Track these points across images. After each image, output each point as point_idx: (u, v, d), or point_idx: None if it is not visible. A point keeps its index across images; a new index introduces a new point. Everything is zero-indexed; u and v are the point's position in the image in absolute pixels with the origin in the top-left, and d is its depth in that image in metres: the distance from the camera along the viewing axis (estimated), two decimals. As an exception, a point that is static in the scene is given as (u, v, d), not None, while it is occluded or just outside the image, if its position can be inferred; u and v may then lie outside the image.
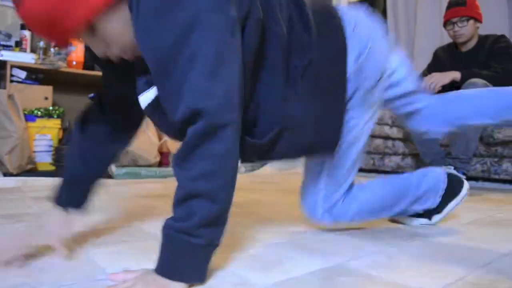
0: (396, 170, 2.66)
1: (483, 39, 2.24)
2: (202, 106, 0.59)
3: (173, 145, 2.82)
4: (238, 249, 0.87)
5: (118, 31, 0.67)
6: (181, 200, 0.62)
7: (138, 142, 2.59)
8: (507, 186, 2.25)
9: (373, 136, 2.77)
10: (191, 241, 0.61)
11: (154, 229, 1.04)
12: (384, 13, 3.69)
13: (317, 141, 0.85)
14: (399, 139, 2.59)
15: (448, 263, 0.78)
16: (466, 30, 2.19)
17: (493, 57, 2.14)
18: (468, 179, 2.25)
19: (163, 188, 1.98)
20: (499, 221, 1.25)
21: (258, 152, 0.81)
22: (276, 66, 0.76)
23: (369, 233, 1.05)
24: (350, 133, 0.92)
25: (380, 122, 2.69)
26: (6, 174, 2.22)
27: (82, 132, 0.86)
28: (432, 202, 1.09)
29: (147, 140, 2.69)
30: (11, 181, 2.01)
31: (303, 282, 0.68)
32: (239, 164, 0.70)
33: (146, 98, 0.74)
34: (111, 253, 0.81)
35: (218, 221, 0.64)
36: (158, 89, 0.66)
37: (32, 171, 2.33)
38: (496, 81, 2.03)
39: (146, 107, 0.75)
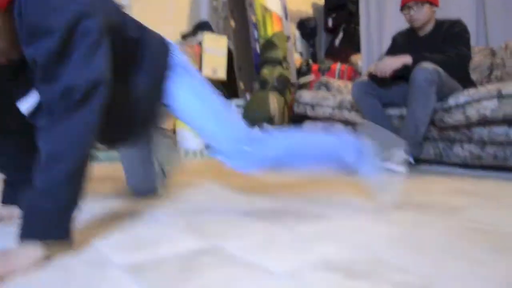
0: (356, 155, 2.66)
1: (440, 24, 2.22)
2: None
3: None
4: (118, 227, 0.86)
5: None
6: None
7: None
8: (457, 170, 2.26)
9: (334, 120, 2.76)
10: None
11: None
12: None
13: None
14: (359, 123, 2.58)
15: (318, 244, 0.78)
16: (421, 14, 2.16)
17: (448, 41, 2.13)
18: (421, 162, 2.26)
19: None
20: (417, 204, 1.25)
21: None
22: None
23: (272, 215, 1.04)
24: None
25: (340, 107, 2.68)
26: None
27: None
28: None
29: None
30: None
31: (161, 262, 0.67)
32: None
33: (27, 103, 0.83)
34: None
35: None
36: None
37: None
38: (447, 66, 2.02)
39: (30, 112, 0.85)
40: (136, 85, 0.96)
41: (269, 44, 3.54)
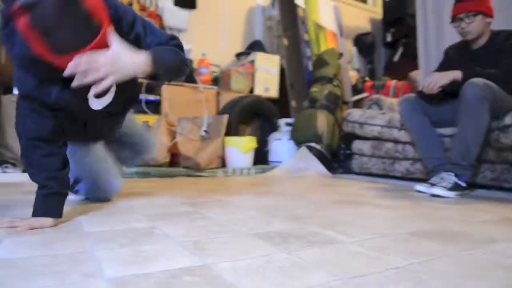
0: (406, 176, 2.52)
1: (495, 35, 2.06)
2: None
3: (183, 147, 2.91)
4: (128, 241, 0.90)
5: None
6: None
7: (148, 143, 2.71)
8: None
9: (383, 140, 2.65)
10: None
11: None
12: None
13: None
14: (409, 143, 2.45)
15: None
16: (473, 26, 2.02)
17: (503, 54, 1.96)
18: (476, 187, 2.08)
19: (154, 186, 2.05)
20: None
21: None
22: None
23: (281, 238, 1.02)
24: None
25: (389, 125, 2.57)
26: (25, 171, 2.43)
27: None
28: None
29: (157, 141, 2.78)
30: (24, 177, 2.21)
31: (146, 279, 0.69)
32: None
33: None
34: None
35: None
36: None
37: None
38: (502, 81, 1.86)
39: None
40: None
41: (320, 61, 3.52)
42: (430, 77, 1.99)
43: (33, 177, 1.13)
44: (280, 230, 1.09)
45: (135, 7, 3.44)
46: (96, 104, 1.16)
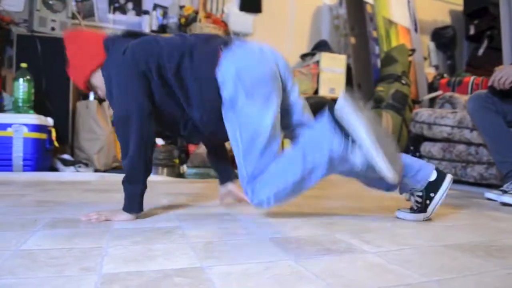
0: (480, 182, 2.26)
1: None
2: None
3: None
4: (143, 239, 0.92)
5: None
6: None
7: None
8: None
9: (454, 141, 2.41)
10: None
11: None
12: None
13: None
14: (483, 145, 2.20)
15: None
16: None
17: None
18: None
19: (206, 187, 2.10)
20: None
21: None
22: None
23: (295, 244, 0.97)
24: None
25: (460, 125, 2.32)
26: (97, 170, 2.65)
27: None
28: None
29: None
30: (94, 176, 2.41)
31: (138, 276, 0.69)
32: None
33: None
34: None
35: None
36: None
37: (117, 168, 2.72)
38: None
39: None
40: (191, 116, 1.21)
41: (388, 58, 3.32)
42: (501, 71, 1.76)
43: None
44: (302, 236, 1.03)
45: (201, 15, 3.57)
46: None
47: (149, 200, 1.60)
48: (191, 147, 3.10)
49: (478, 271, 0.77)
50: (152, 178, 2.47)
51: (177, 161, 2.82)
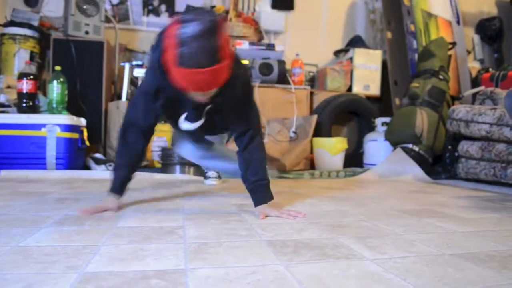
0: (522, 184, 2.09)
1: None
2: None
3: (271, 148, 2.90)
4: (142, 238, 0.91)
5: None
6: None
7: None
8: None
9: (493, 140, 2.24)
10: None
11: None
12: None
13: None
14: (526, 144, 2.03)
15: None
16: None
17: None
18: None
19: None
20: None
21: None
22: None
23: (293, 247, 0.92)
24: None
25: (500, 123, 2.16)
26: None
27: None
28: None
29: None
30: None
31: (116, 277, 0.69)
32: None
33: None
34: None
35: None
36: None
37: (146, 167, 2.78)
38: None
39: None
40: None
41: (425, 53, 3.15)
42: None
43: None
44: (303, 239, 0.99)
45: (231, 14, 3.57)
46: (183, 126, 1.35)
47: (166, 198, 1.61)
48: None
49: (483, 284, 0.69)
50: (177, 177, 2.51)
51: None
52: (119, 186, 1.33)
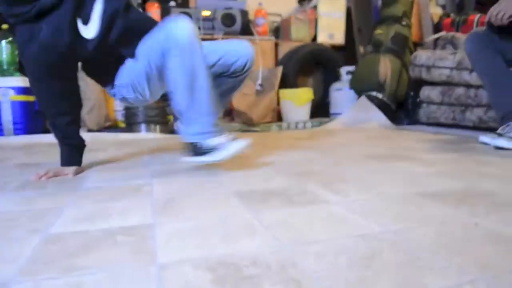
0: (479, 126, 2.18)
1: None
2: None
3: (237, 102, 2.87)
4: (110, 197, 0.90)
5: None
6: None
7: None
8: None
9: (453, 84, 2.30)
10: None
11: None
12: None
13: None
14: (483, 87, 2.09)
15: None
16: None
17: None
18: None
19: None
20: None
21: None
22: None
23: (263, 195, 0.94)
24: None
25: (460, 67, 2.21)
26: (90, 130, 2.63)
27: None
28: None
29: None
30: (85, 136, 2.39)
31: (80, 235, 0.68)
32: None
33: None
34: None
35: None
36: None
37: (110, 127, 2.70)
38: None
39: None
40: None
41: (388, -1, 3.12)
42: (498, 4, 1.62)
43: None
44: (270, 188, 1.00)
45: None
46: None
47: (131, 157, 1.58)
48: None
49: (442, 219, 0.73)
50: (144, 135, 2.46)
51: (171, 117, 2.78)
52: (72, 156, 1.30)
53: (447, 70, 2.29)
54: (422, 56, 2.49)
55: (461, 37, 2.57)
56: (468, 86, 2.21)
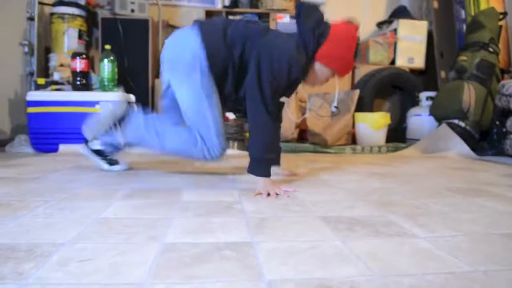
0: None
1: None
2: None
3: (312, 123, 2.93)
4: (208, 214, 1.01)
5: None
6: None
7: (277, 119, 2.85)
8: None
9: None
10: None
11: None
12: None
13: None
14: None
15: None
16: None
17: None
18: None
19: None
20: None
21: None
22: None
23: (344, 224, 0.98)
24: None
25: None
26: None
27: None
28: None
29: (286, 118, 2.89)
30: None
31: (193, 247, 0.78)
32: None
33: None
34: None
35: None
36: None
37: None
38: None
39: None
40: None
41: (474, 24, 3.02)
42: None
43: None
44: (354, 216, 1.05)
45: (272, -14, 3.54)
46: None
47: (213, 173, 1.71)
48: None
49: (535, 263, 0.73)
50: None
51: (247, 134, 2.92)
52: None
53: (540, 102, 2.17)
54: (511, 85, 2.38)
55: (557, 66, 2.42)
56: None
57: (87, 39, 3.41)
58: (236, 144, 2.75)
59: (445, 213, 1.10)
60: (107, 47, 2.70)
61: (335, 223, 0.98)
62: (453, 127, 2.67)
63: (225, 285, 0.62)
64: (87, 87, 2.66)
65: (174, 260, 0.72)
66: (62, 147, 2.50)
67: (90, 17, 3.42)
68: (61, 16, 3.25)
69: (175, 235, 0.86)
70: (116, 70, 2.73)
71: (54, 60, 3.27)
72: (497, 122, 2.65)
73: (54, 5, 3.26)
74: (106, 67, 2.67)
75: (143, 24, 3.03)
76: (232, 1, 3.64)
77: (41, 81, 2.86)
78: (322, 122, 2.95)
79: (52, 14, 3.26)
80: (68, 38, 3.30)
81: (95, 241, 0.82)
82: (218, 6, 3.64)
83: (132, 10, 3.02)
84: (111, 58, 2.69)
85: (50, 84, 2.81)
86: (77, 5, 3.27)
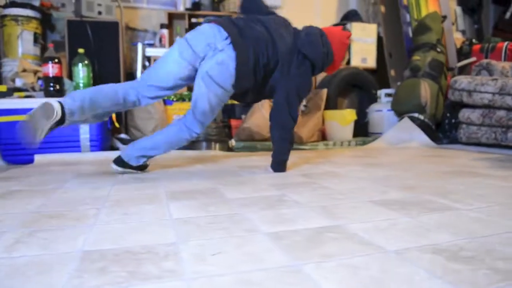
0: (521, 145, 2.40)
1: None
2: None
3: (286, 121, 3.07)
4: (268, 206, 1.08)
5: None
6: None
7: (254, 119, 2.94)
8: None
9: (495, 108, 2.53)
10: None
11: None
12: None
13: None
14: (525, 110, 2.31)
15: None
16: None
17: None
18: None
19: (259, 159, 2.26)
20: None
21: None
22: None
23: (400, 205, 1.12)
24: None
25: (502, 92, 2.43)
26: (153, 147, 2.81)
27: None
28: None
29: (262, 117, 3.00)
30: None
31: (295, 233, 0.86)
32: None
33: None
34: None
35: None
36: None
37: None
38: None
39: None
40: None
41: (421, 27, 3.38)
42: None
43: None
44: (396, 198, 1.20)
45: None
46: None
47: (236, 171, 1.77)
48: (233, 123, 3.27)
49: None
50: (206, 152, 2.65)
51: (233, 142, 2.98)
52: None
53: (489, 95, 2.52)
54: (462, 81, 2.72)
55: (495, 63, 2.81)
56: (510, 109, 2.43)
57: (43, 42, 3.24)
58: (217, 145, 2.80)
59: (464, 191, 1.29)
60: (81, 50, 2.61)
61: (386, 205, 1.12)
62: (414, 120, 2.97)
63: (350, 261, 0.72)
64: (61, 93, 2.54)
65: (297, 244, 0.80)
66: (38, 158, 2.37)
67: (45, 19, 3.25)
68: (14, 18, 3.06)
69: (267, 226, 0.93)
70: (91, 75, 2.64)
71: (9, 65, 3.06)
72: (448, 114, 3.01)
73: (5, 6, 3.05)
74: (81, 72, 2.58)
75: (112, 26, 2.96)
76: (194, 4, 3.67)
77: (3, 88, 2.67)
78: (295, 120, 3.10)
79: (3, 16, 3.05)
80: (22, 42, 3.11)
81: (202, 238, 0.86)
82: (180, 8, 3.64)
83: (99, 13, 2.94)
84: (86, 62, 2.60)
85: (13, 91, 2.64)
86: (31, 7, 3.09)
